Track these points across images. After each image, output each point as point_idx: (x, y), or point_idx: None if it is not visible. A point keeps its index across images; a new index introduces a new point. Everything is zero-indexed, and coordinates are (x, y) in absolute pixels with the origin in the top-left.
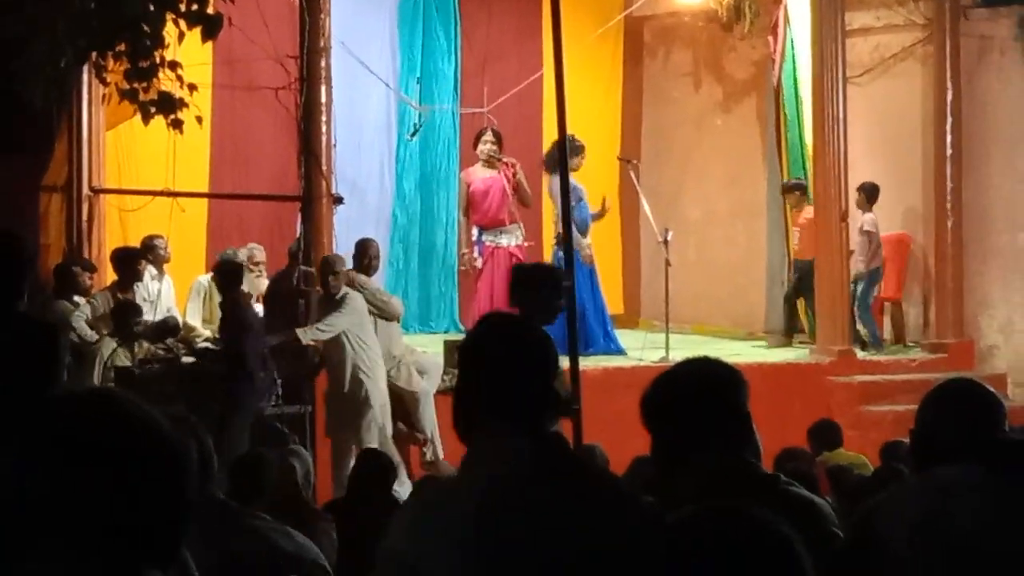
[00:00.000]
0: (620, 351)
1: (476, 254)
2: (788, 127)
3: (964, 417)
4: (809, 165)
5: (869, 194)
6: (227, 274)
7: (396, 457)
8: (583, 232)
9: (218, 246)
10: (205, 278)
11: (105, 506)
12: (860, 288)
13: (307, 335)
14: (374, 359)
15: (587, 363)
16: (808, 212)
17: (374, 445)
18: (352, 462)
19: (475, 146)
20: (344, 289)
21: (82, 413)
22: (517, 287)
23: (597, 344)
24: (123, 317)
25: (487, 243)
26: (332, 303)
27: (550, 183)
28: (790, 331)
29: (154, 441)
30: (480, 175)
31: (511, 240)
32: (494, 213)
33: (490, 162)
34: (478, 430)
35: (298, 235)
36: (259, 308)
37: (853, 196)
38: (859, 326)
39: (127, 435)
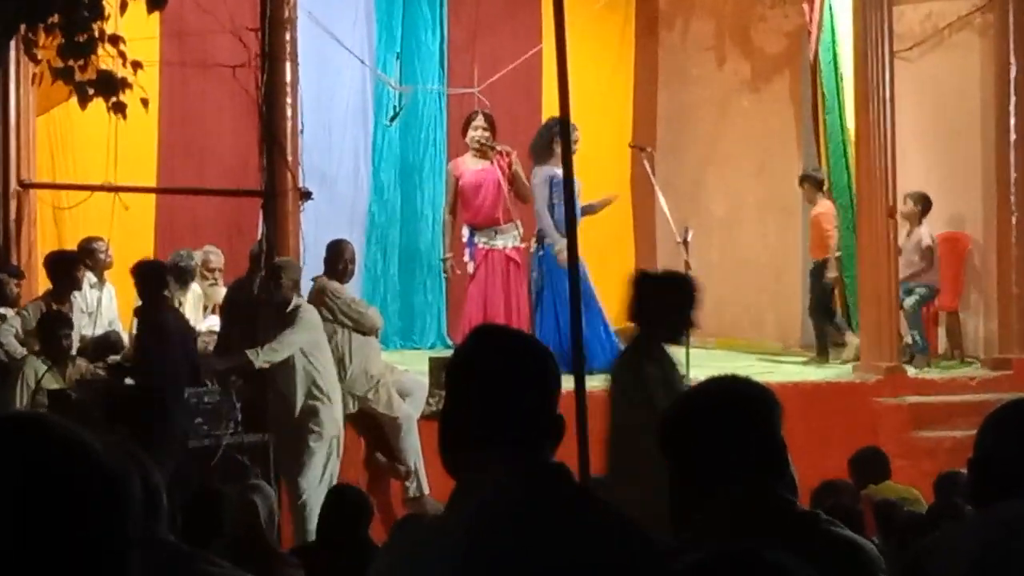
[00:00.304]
0: None
1: (467, 257)
2: (827, 109)
3: None
4: (851, 152)
5: (925, 205)
6: (146, 275)
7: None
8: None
9: (168, 248)
10: None
11: (34, 540)
12: (910, 300)
13: (260, 357)
14: (331, 383)
15: (594, 383)
16: (820, 206)
17: (320, 483)
18: (304, 501)
19: (464, 133)
20: (296, 300)
21: (2, 437)
22: (642, 296)
23: (597, 359)
24: (50, 331)
25: (480, 245)
26: (283, 316)
27: (532, 173)
28: (823, 348)
29: (88, 466)
30: (471, 166)
31: (507, 241)
32: (488, 210)
33: (482, 151)
34: (468, 457)
35: (260, 235)
36: (215, 320)
37: (900, 199)
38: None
39: (56, 459)
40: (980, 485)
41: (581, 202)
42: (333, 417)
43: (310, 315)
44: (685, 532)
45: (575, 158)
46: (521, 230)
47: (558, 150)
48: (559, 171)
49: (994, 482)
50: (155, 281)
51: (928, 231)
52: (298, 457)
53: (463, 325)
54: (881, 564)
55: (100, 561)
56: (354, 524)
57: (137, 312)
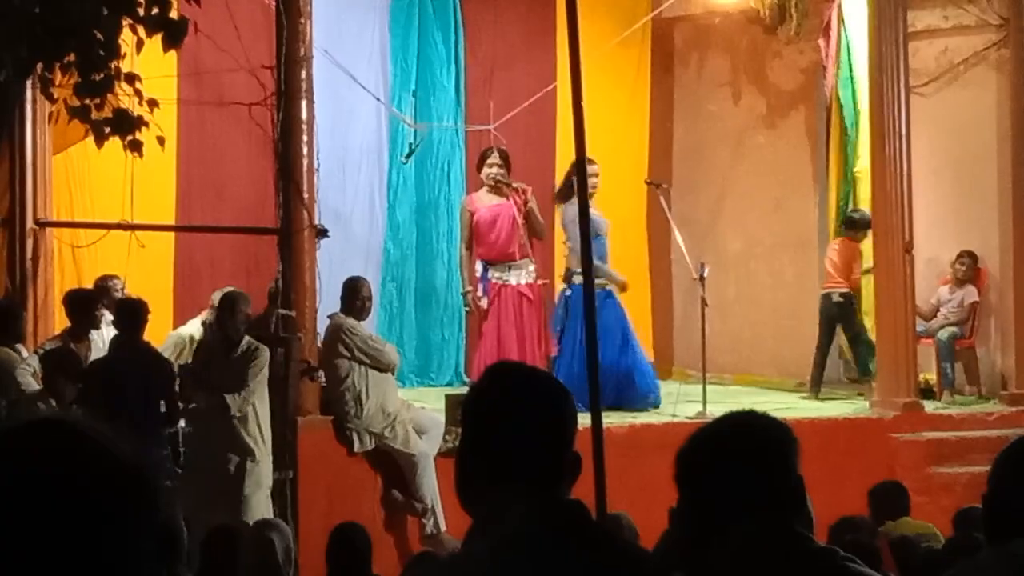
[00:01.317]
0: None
1: (480, 292)
2: (848, 145)
3: None
4: (860, 188)
5: (974, 265)
6: (125, 313)
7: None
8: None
9: (187, 286)
10: (188, 330)
11: (65, 538)
12: (946, 333)
13: (237, 404)
14: (266, 431)
15: (611, 419)
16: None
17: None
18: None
19: (479, 169)
20: (247, 339)
21: (30, 446)
22: None
23: (649, 391)
24: (46, 370)
25: (493, 280)
26: (233, 352)
27: (564, 213)
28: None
29: (115, 462)
30: (486, 202)
31: (521, 277)
32: (502, 246)
33: (497, 188)
34: (484, 495)
35: (277, 273)
36: None
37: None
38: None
39: (91, 467)
40: (993, 522)
41: (606, 238)
42: (270, 466)
43: (265, 357)
44: (698, 568)
45: (596, 195)
46: (535, 267)
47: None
48: (593, 212)
49: (1007, 518)
50: (132, 319)
51: (974, 289)
52: (236, 508)
53: (477, 362)
54: None
55: (129, 558)
56: (363, 561)
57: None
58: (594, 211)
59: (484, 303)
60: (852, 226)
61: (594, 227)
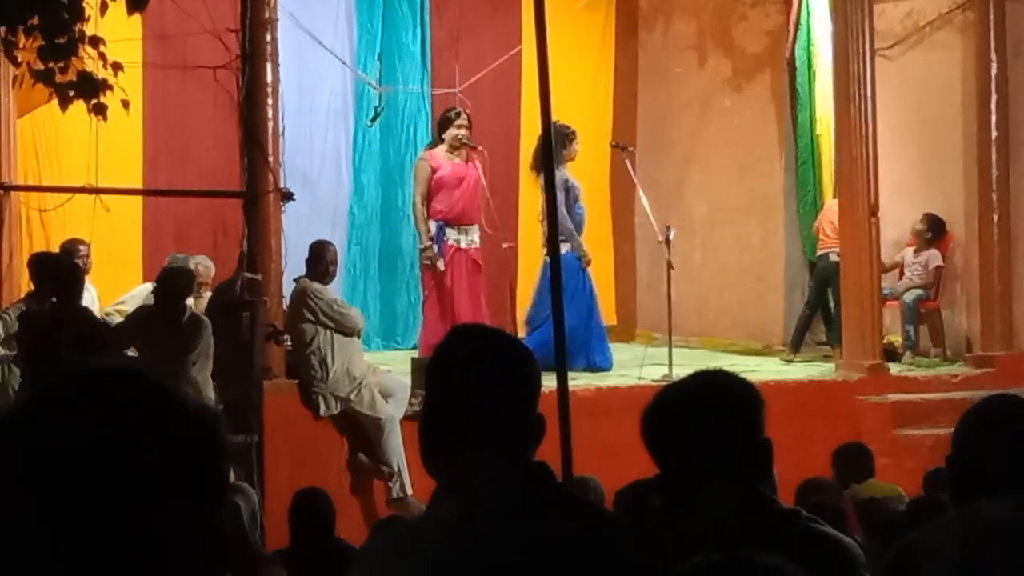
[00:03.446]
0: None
1: (436, 252)
2: (799, 107)
3: (1009, 441)
4: (822, 152)
5: (936, 229)
6: (60, 272)
7: None
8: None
9: (155, 249)
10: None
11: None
12: (911, 296)
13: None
14: (210, 400)
15: (577, 382)
16: (831, 203)
17: None
18: None
19: (442, 129)
20: (189, 309)
21: (114, 391)
22: None
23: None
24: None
25: (450, 242)
26: (178, 324)
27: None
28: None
29: (191, 415)
30: (446, 160)
31: (472, 243)
32: (464, 206)
33: (458, 148)
34: (449, 458)
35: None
36: None
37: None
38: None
39: (163, 409)
40: (957, 483)
41: (583, 204)
42: None
43: (209, 329)
44: (667, 530)
45: (573, 163)
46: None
47: (565, 153)
48: (570, 177)
49: (971, 480)
50: (65, 280)
51: (938, 253)
52: None
53: (432, 327)
54: (862, 560)
55: (210, 506)
56: (327, 526)
57: None
58: (571, 178)
59: (441, 264)
60: None
61: (574, 192)
